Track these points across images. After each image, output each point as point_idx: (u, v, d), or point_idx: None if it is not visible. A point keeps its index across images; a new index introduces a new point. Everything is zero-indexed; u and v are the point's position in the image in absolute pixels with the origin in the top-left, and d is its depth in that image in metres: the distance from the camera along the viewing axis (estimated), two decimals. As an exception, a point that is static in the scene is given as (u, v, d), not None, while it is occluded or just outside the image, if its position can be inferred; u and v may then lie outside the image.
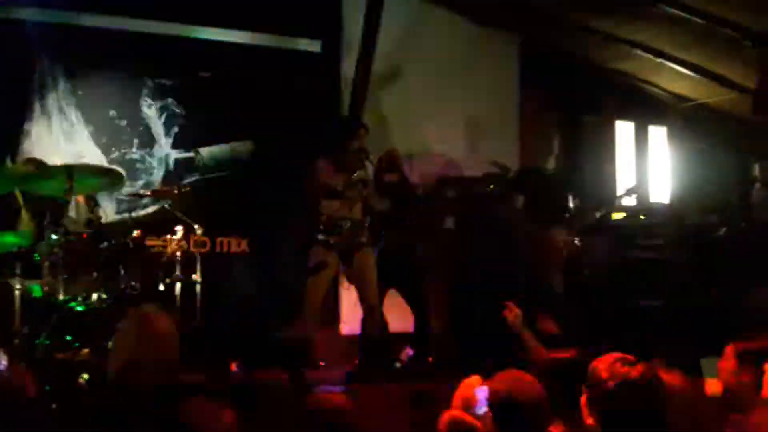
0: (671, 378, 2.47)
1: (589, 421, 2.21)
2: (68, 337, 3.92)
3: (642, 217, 5.78)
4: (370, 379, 4.40)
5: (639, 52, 6.37)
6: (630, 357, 2.23)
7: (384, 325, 5.09)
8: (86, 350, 3.86)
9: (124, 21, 5.58)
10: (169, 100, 5.79)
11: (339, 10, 6.24)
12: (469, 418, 2.50)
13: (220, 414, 2.47)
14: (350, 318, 5.48)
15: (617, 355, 2.23)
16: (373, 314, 4.80)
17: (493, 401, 2.42)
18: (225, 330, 4.81)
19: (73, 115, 5.53)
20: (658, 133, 7.34)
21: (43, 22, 5.38)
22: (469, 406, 2.84)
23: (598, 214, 5.59)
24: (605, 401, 2.11)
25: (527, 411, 2.35)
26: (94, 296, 4.21)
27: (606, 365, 2.19)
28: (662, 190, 7.17)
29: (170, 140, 5.82)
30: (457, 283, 5.55)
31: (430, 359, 5.21)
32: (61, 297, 4.10)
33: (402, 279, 5.32)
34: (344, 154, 4.69)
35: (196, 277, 4.79)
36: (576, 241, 5.42)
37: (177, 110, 5.82)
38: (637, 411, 2.09)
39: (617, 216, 5.90)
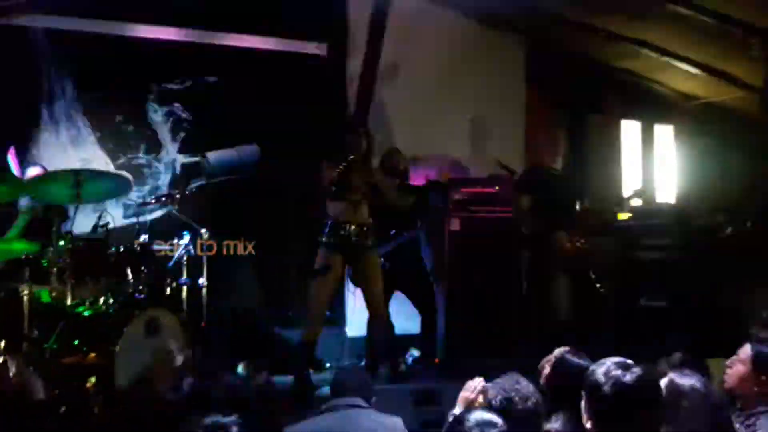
0: (684, 379, 2.47)
1: (588, 425, 2.23)
2: (76, 342, 3.96)
3: (648, 217, 5.75)
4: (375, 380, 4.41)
5: (645, 50, 6.35)
6: (627, 361, 2.23)
7: (390, 326, 5.10)
8: (93, 354, 3.90)
9: (130, 27, 5.63)
10: (175, 105, 5.83)
11: (345, 13, 6.25)
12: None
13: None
14: (356, 320, 5.50)
15: (615, 359, 2.24)
16: (379, 316, 4.81)
17: (492, 402, 2.44)
18: (231, 332, 4.84)
19: (80, 121, 5.59)
20: (664, 132, 7.31)
21: (50, 29, 5.43)
22: (471, 407, 2.86)
23: (603, 215, 5.58)
24: (600, 405, 2.13)
25: (523, 412, 2.37)
26: (102, 301, 4.26)
27: (603, 369, 2.20)
28: (669, 189, 7.14)
29: (177, 145, 5.86)
30: (462, 285, 5.55)
31: (437, 360, 5.23)
32: (68, 302, 4.15)
33: (408, 280, 5.34)
34: (349, 157, 4.70)
35: (203, 280, 4.84)
36: (582, 242, 5.40)
37: (183, 115, 5.85)
38: (631, 415, 2.10)
39: (623, 216, 5.88)
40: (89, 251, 4.41)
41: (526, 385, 2.50)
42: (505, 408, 2.41)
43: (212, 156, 5.90)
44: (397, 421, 3.02)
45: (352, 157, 4.63)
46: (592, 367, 2.26)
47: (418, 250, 5.52)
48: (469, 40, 6.63)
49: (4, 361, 3.57)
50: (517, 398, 2.45)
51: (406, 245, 5.41)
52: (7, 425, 2.52)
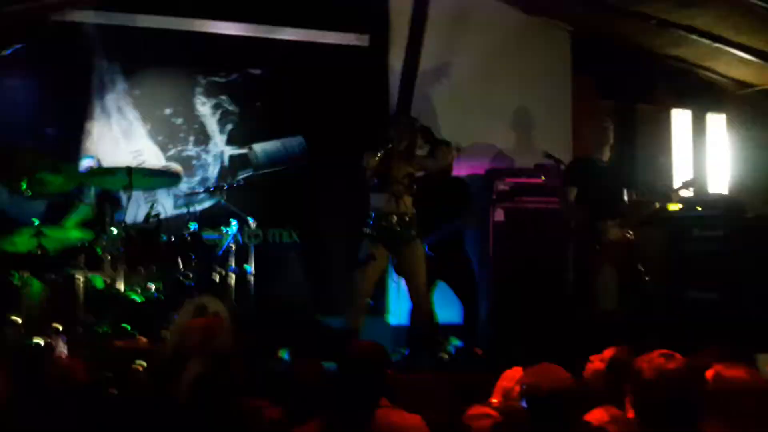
0: (736, 372, 2.43)
1: (631, 414, 2.22)
2: (127, 326, 4.10)
3: (699, 208, 5.61)
4: (416, 369, 4.44)
5: (695, 37, 6.19)
6: (671, 352, 2.22)
7: (433, 316, 5.12)
8: (144, 338, 4.03)
9: (177, 21, 5.75)
10: (223, 97, 5.94)
11: (386, 4, 6.26)
12: (487, 410, 2.53)
13: (266, 410, 2.56)
14: (398, 309, 5.52)
15: (660, 350, 2.23)
16: (421, 306, 4.83)
17: (526, 393, 2.45)
18: (276, 320, 4.93)
19: (131, 114, 5.74)
20: (716, 121, 7.12)
21: (100, 24, 5.59)
22: (509, 397, 2.86)
23: (653, 206, 5.47)
24: (643, 393, 2.12)
25: (558, 401, 2.37)
26: (152, 288, 4.40)
27: (647, 359, 2.19)
28: (721, 180, 6.95)
29: (224, 137, 5.97)
30: (507, 276, 5.53)
31: (479, 351, 5.21)
32: (121, 288, 4.30)
33: (451, 271, 5.33)
34: (392, 148, 4.73)
35: (250, 268, 4.94)
36: (630, 234, 5.30)
37: (230, 108, 5.96)
38: (674, 404, 2.08)
39: (673, 208, 5.75)
40: (141, 240, 4.57)
41: (556, 376, 2.49)
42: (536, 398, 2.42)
43: (258, 148, 6.00)
44: None
45: (390, 147, 4.65)
46: (638, 358, 2.26)
47: (462, 240, 5.51)
48: (513, 28, 6.56)
49: (51, 343, 3.73)
50: (547, 388, 2.44)
51: (451, 235, 5.41)
52: (53, 405, 2.62)
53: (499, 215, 5.76)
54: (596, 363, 2.87)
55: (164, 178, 5.03)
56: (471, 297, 5.40)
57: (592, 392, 2.73)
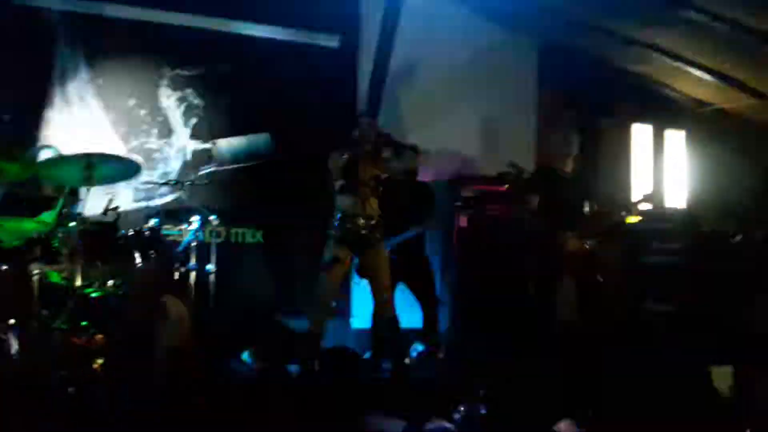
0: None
1: None
2: (84, 323, 3.98)
3: (657, 221, 5.74)
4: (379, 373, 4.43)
5: (658, 55, 6.34)
6: None
7: (395, 319, 5.10)
8: (101, 336, 3.92)
9: (144, 12, 5.63)
10: (188, 90, 5.84)
11: (358, 6, 6.25)
12: None
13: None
14: (361, 311, 5.50)
15: None
16: (384, 309, 4.82)
17: None
18: (237, 320, 4.86)
19: (94, 103, 5.59)
20: (675, 137, 7.30)
21: (64, 10, 5.44)
22: None
23: (612, 218, 5.56)
24: None
25: None
26: (110, 283, 4.28)
27: None
28: (679, 194, 7.12)
29: (188, 131, 5.87)
30: (468, 281, 5.56)
31: (440, 356, 5.22)
32: (78, 283, 4.16)
33: (412, 274, 5.32)
34: (356, 150, 4.71)
35: (211, 266, 4.86)
36: (589, 245, 5.38)
37: (195, 101, 5.86)
38: None
39: (632, 220, 5.87)
40: (99, 234, 4.43)
41: None
42: None
43: (223, 143, 5.92)
44: None
45: (357, 150, 4.64)
46: None
47: (422, 243, 5.52)
48: (481, 39, 6.64)
49: (7, 339, 3.60)
50: None
51: (412, 239, 5.41)
52: (9, 403, 2.53)
53: (463, 221, 5.78)
54: None
55: (125, 167, 4.85)
56: (431, 300, 5.41)
57: None
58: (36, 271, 4.06)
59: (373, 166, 4.82)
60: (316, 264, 4.77)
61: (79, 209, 4.61)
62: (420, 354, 5.19)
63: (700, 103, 7.01)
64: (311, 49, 6.12)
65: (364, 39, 6.26)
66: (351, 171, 4.73)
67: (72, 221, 4.31)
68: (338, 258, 4.68)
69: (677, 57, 6.32)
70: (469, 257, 5.60)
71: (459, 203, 5.95)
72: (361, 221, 4.73)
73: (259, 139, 5.99)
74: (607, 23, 6.16)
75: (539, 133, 6.83)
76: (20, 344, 3.72)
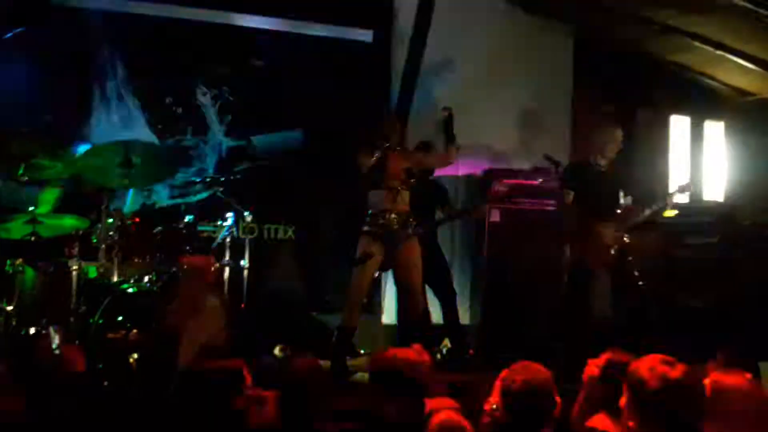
0: (734, 379, 2.43)
1: (631, 423, 2.20)
2: (120, 318, 4.07)
3: (695, 214, 5.63)
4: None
5: (698, 44, 6.19)
6: (670, 359, 2.20)
7: (427, 316, 5.10)
8: (136, 331, 4.00)
9: (180, 10, 5.71)
10: (223, 88, 5.90)
11: (391, 1, 6.23)
12: (458, 418, 2.52)
13: (264, 400, 2.56)
14: (393, 307, 5.52)
15: (659, 356, 2.21)
16: (416, 305, 4.82)
17: (504, 390, 2.42)
18: (270, 315, 4.91)
19: (131, 101, 5.69)
20: (714, 129, 7.13)
21: (102, 10, 5.54)
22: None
23: (649, 212, 5.47)
24: (646, 401, 2.10)
25: (537, 398, 2.35)
26: (146, 279, 4.37)
27: (647, 366, 2.17)
28: (717, 187, 6.96)
29: (223, 128, 5.94)
30: (501, 277, 5.52)
31: (471, 352, 5.21)
32: (114, 279, 4.27)
33: (431, 270, 5.26)
34: (387, 146, 4.70)
35: (245, 262, 4.92)
36: (625, 239, 5.31)
37: (230, 98, 5.92)
38: (675, 411, 2.07)
39: (669, 213, 5.76)
40: (136, 230, 4.53)
41: (534, 373, 2.46)
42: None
43: (257, 140, 5.97)
44: None
45: (387, 145, 4.63)
46: (635, 363, 2.24)
47: (436, 240, 5.48)
48: (517, 30, 6.56)
49: (47, 333, 3.70)
50: (525, 386, 2.40)
51: (427, 234, 5.34)
52: (48, 396, 2.61)
53: (495, 216, 5.74)
54: (593, 368, 2.85)
55: (162, 159, 4.88)
56: (451, 297, 5.38)
57: (590, 397, 2.72)
58: (74, 267, 4.17)
59: (403, 159, 4.82)
60: (348, 260, 4.79)
61: (117, 206, 4.73)
62: (450, 351, 5.19)
63: (741, 92, 6.83)
64: (344, 44, 6.12)
65: (397, 33, 6.24)
66: (381, 165, 4.73)
67: (110, 217, 4.42)
68: (370, 254, 4.69)
69: (718, 45, 6.15)
70: (502, 252, 5.56)
71: (491, 197, 5.91)
72: (393, 216, 4.74)
73: (293, 135, 6.03)
74: (644, 11, 6.03)
75: (575, 125, 6.74)
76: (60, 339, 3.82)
